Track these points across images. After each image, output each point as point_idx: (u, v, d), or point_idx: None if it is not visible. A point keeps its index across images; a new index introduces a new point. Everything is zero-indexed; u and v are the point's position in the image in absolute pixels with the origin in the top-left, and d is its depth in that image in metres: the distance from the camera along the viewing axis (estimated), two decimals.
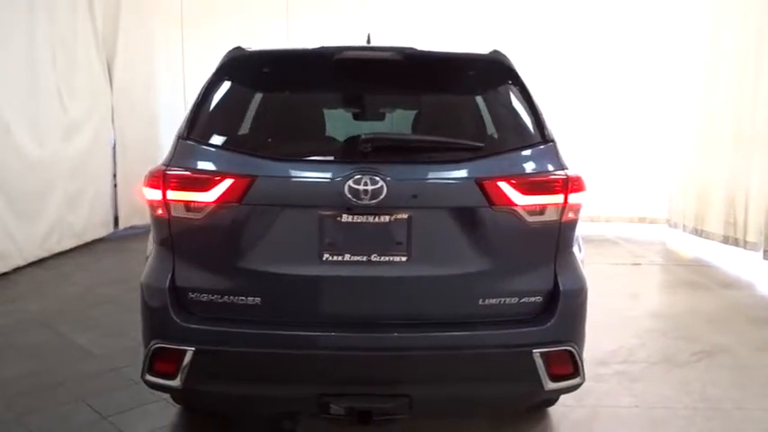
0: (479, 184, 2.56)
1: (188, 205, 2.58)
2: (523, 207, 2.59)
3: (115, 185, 8.01)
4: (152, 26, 8.37)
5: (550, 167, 2.68)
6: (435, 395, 2.66)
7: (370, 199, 2.50)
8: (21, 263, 6.24)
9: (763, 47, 6.88)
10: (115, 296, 5.44)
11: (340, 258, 2.58)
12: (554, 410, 3.47)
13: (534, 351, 2.59)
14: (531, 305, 2.68)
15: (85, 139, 7.35)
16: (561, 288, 2.67)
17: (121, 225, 8.06)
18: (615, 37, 8.39)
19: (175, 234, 2.62)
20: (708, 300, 5.69)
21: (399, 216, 2.57)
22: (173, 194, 2.58)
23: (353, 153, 2.60)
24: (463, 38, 8.05)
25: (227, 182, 2.53)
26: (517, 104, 2.87)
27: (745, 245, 7.22)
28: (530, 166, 2.69)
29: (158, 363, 2.62)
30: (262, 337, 2.57)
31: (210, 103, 2.81)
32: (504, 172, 2.59)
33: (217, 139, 2.75)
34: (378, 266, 2.59)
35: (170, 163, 2.65)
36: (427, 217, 2.60)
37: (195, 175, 2.59)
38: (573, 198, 2.64)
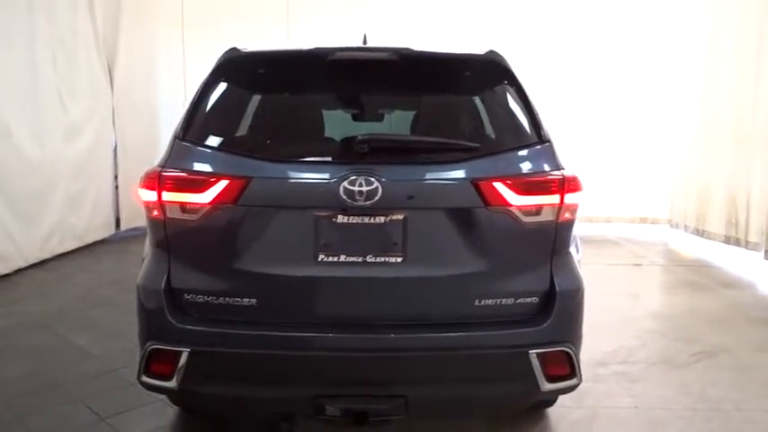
0: (475, 184, 2.56)
1: (183, 206, 2.58)
2: (519, 207, 2.58)
3: (116, 187, 8.03)
4: (153, 27, 8.39)
5: (546, 168, 2.67)
6: (431, 396, 2.65)
7: (366, 200, 2.50)
8: (22, 264, 6.25)
9: (764, 46, 6.87)
10: (115, 298, 5.45)
11: (335, 259, 2.58)
12: (552, 411, 3.46)
13: (530, 352, 2.58)
14: (528, 306, 2.67)
15: (86, 141, 7.36)
16: (558, 289, 2.66)
17: (123, 227, 8.08)
18: (615, 37, 8.38)
19: (171, 235, 2.63)
20: (708, 300, 5.68)
21: (395, 217, 2.57)
22: (168, 196, 2.58)
23: (349, 154, 2.60)
24: (463, 38, 8.04)
25: (223, 183, 2.53)
26: (513, 105, 2.86)
27: (747, 245, 7.21)
28: (525, 167, 2.68)
29: (154, 364, 2.62)
30: (257, 339, 2.57)
31: (206, 105, 2.81)
32: (499, 172, 2.59)
33: (212, 141, 2.75)
34: (373, 267, 2.58)
35: (166, 164, 2.65)
36: (423, 218, 2.60)
37: (190, 177, 2.60)
38: (569, 198, 2.63)
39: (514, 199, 2.57)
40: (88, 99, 7.40)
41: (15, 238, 6.13)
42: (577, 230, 2.93)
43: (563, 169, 2.68)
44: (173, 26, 8.49)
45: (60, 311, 5.18)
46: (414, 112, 3.35)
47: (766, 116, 6.88)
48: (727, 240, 7.50)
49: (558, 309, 2.65)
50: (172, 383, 2.59)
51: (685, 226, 8.21)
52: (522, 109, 2.82)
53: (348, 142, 2.66)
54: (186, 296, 2.63)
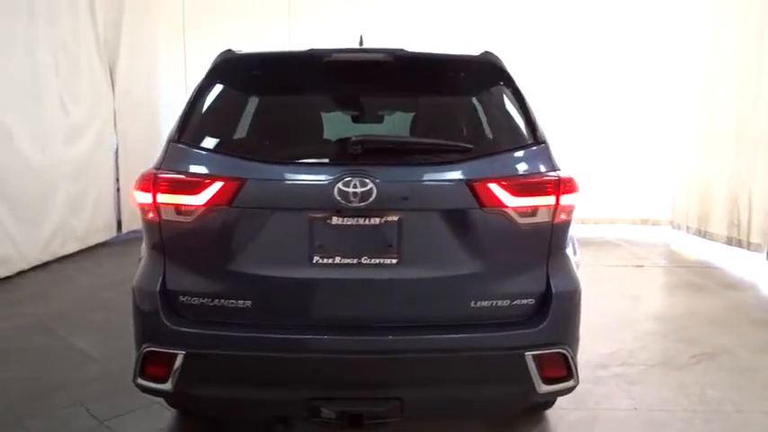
0: (470, 185, 2.55)
1: (178, 208, 2.58)
2: (514, 209, 2.57)
3: (118, 189, 8.03)
4: (154, 30, 8.40)
5: (542, 168, 2.66)
6: (427, 398, 2.65)
7: (360, 201, 2.49)
8: (24, 267, 6.25)
9: (764, 45, 6.84)
10: (116, 300, 5.44)
11: (330, 261, 2.58)
12: (551, 413, 3.45)
13: (526, 354, 2.58)
14: (524, 307, 2.67)
15: (88, 143, 7.37)
16: (554, 290, 2.66)
17: (125, 229, 8.08)
18: (615, 37, 8.36)
19: (166, 237, 2.63)
20: (710, 301, 5.65)
21: (390, 218, 2.56)
22: (163, 197, 2.58)
23: (343, 155, 2.60)
24: (464, 39, 8.02)
25: (217, 185, 2.53)
26: (509, 105, 2.86)
27: (749, 246, 7.17)
28: (521, 168, 2.68)
29: (150, 366, 2.62)
30: (252, 341, 2.57)
31: (201, 107, 2.81)
32: (494, 173, 2.58)
33: (207, 142, 2.75)
34: (368, 269, 2.58)
35: (161, 166, 2.65)
36: (418, 219, 2.60)
37: (185, 178, 2.60)
38: (565, 199, 2.62)
39: (509, 200, 2.56)
40: (89, 101, 7.41)
41: (17, 240, 6.14)
42: (575, 232, 2.93)
43: (559, 170, 2.67)
44: (174, 28, 8.51)
45: (61, 314, 5.18)
46: (413, 114, 3.36)
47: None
48: (730, 241, 7.46)
49: (554, 310, 2.64)
50: (167, 386, 2.59)
51: (687, 227, 8.18)
52: (517, 110, 2.81)
53: (342, 144, 2.66)
54: (181, 298, 2.63)
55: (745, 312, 5.35)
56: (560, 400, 3.28)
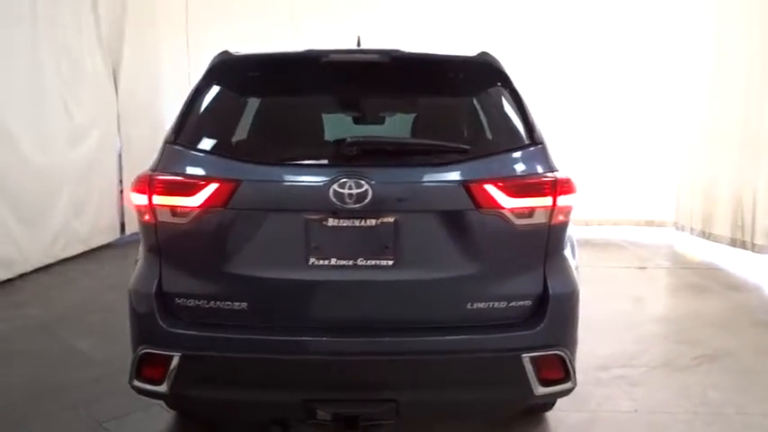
0: (466, 186, 2.54)
1: (174, 210, 2.58)
2: (511, 210, 2.56)
3: (121, 191, 8.03)
4: (157, 32, 8.42)
5: (539, 169, 2.65)
6: (422, 400, 2.64)
7: (356, 203, 2.49)
8: (26, 269, 6.26)
9: None
10: (118, 302, 5.32)
11: (326, 262, 2.57)
12: (551, 414, 3.44)
13: (523, 355, 2.56)
14: (521, 309, 2.65)
15: (91, 146, 7.39)
16: (551, 292, 2.64)
17: (128, 231, 8.07)
18: (620, 39, 8.35)
19: (162, 239, 2.63)
20: (713, 303, 5.62)
21: (386, 220, 2.56)
22: (158, 199, 2.58)
23: (338, 157, 2.59)
24: (468, 40, 8.01)
25: (212, 186, 2.53)
26: (506, 106, 2.84)
27: (753, 247, 7.14)
28: (517, 169, 2.66)
29: (145, 368, 2.63)
30: (248, 343, 2.56)
31: (198, 108, 2.82)
32: (491, 174, 2.57)
33: (203, 144, 2.75)
34: (364, 270, 2.57)
35: (157, 168, 2.65)
36: (414, 220, 2.59)
37: (180, 180, 2.60)
38: (562, 200, 2.61)
39: (506, 201, 2.55)
40: (93, 104, 7.43)
41: (19, 242, 6.16)
42: (574, 234, 2.91)
43: (556, 171, 2.65)
44: (177, 30, 8.53)
45: (63, 316, 5.20)
46: (413, 115, 3.34)
47: None
48: (734, 243, 7.43)
49: (551, 312, 2.62)
50: (162, 388, 2.59)
51: (691, 228, 8.15)
52: (514, 111, 2.80)
53: (338, 145, 2.66)
54: (177, 300, 2.63)
55: (749, 314, 5.32)
56: (560, 402, 3.26)
